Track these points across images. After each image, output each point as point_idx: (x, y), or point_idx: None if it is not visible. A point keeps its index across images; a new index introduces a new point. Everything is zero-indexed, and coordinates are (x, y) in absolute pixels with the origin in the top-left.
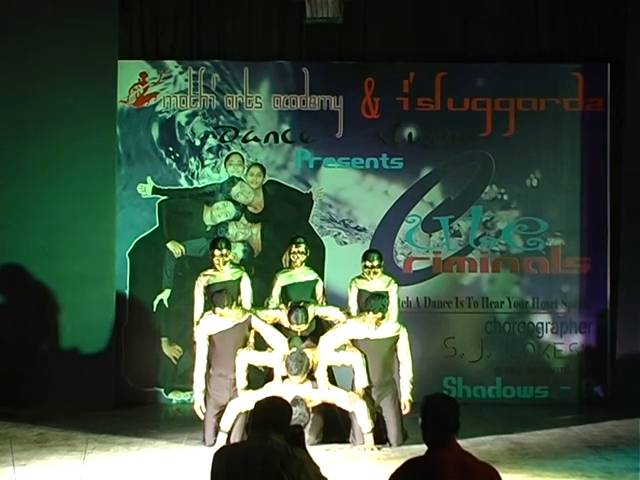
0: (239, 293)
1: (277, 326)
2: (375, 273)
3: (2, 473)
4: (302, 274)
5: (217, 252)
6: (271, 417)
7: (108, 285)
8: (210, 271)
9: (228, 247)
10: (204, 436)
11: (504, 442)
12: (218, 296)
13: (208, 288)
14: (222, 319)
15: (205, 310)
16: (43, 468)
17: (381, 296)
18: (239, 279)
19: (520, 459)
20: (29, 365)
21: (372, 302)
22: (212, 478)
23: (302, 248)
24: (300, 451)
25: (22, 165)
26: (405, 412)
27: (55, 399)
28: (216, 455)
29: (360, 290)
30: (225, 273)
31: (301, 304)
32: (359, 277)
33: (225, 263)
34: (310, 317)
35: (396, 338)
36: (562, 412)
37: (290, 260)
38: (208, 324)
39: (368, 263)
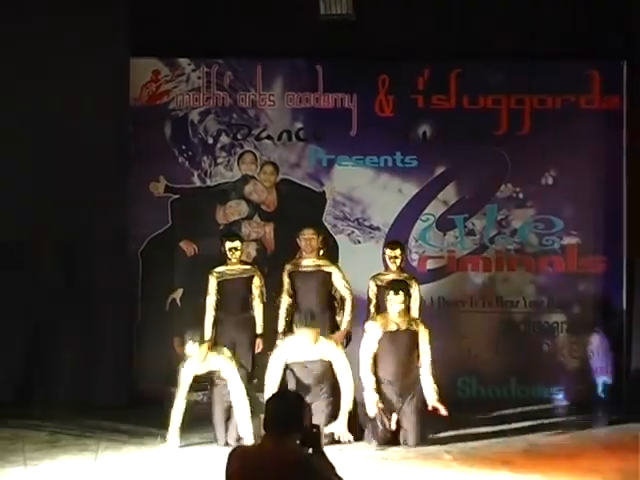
0: (250, 292)
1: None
2: (394, 262)
3: (14, 473)
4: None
5: (228, 244)
6: (285, 417)
7: (120, 284)
8: (222, 267)
9: (240, 240)
10: (215, 435)
11: (519, 443)
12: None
13: (220, 285)
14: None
15: (217, 308)
16: (55, 468)
17: (402, 281)
18: (250, 277)
19: (535, 460)
20: (41, 364)
21: (394, 284)
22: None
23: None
24: (316, 455)
25: (32, 163)
26: (443, 412)
27: (67, 398)
28: (230, 456)
29: (379, 287)
30: (236, 270)
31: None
32: (378, 274)
33: (237, 258)
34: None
35: (415, 333)
36: (577, 412)
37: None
38: None
39: (390, 252)
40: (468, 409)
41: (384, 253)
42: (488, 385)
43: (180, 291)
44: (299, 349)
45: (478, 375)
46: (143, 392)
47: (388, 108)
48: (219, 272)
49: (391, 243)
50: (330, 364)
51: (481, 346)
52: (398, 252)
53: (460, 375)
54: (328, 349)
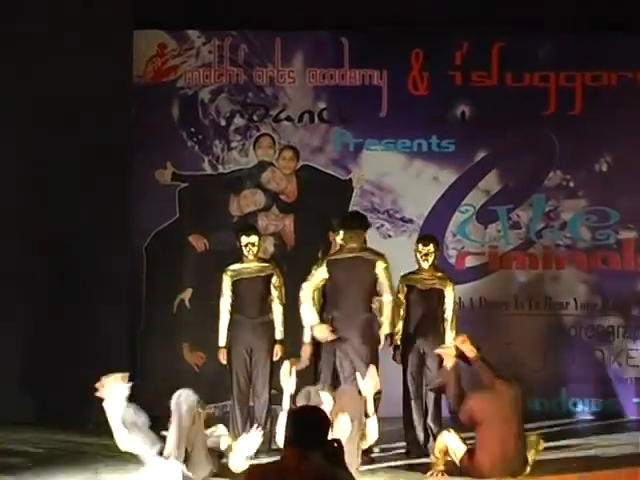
0: (268, 292)
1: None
2: (427, 260)
3: None
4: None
5: (244, 239)
6: (307, 432)
7: (122, 284)
8: (237, 265)
9: (257, 234)
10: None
11: (571, 462)
12: None
13: (235, 285)
14: None
15: (233, 311)
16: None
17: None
18: (268, 276)
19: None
20: (34, 376)
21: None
22: None
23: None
24: (341, 472)
25: (22, 147)
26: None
27: (64, 411)
28: (248, 475)
29: (409, 287)
30: (253, 267)
31: None
32: (409, 274)
33: (254, 254)
34: None
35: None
36: (636, 428)
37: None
38: None
39: (422, 248)
40: None
41: (416, 249)
42: (535, 397)
43: (189, 291)
44: None
45: (524, 386)
46: (148, 404)
47: (422, 86)
48: (234, 270)
49: (423, 238)
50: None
51: (527, 353)
52: (431, 248)
53: None
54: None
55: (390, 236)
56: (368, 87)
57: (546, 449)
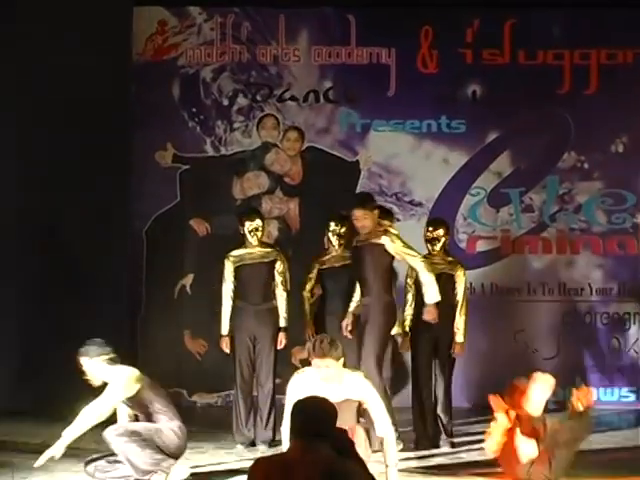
0: (272, 278)
1: None
2: (436, 245)
3: None
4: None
5: (248, 224)
6: (314, 422)
7: (121, 269)
8: (240, 250)
9: (261, 218)
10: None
11: (585, 454)
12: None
13: (238, 270)
14: None
15: (235, 297)
16: None
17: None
18: (272, 262)
19: (604, 472)
20: (33, 363)
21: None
22: None
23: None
24: (350, 461)
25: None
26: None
27: (61, 403)
28: (252, 469)
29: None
30: (257, 253)
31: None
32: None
33: (259, 239)
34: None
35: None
36: None
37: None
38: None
39: (431, 232)
40: None
41: (425, 233)
42: None
43: (190, 277)
44: (316, 388)
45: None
46: None
47: (432, 64)
48: (237, 256)
49: (432, 222)
50: (359, 405)
51: (540, 341)
52: (441, 232)
53: (516, 374)
54: (356, 385)
55: (399, 220)
56: (375, 65)
57: None
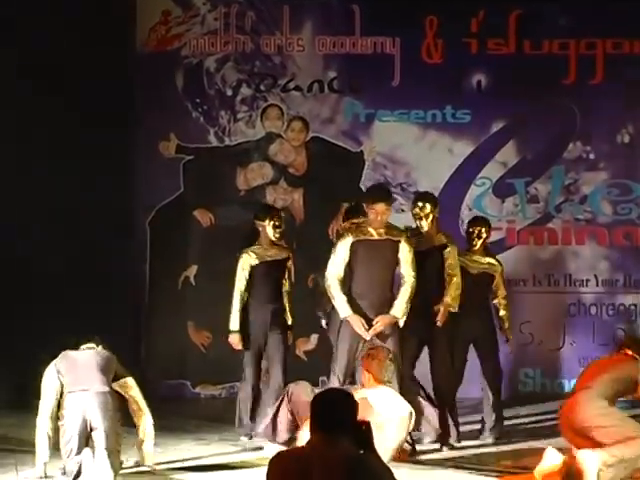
0: (284, 277)
1: None
2: (424, 221)
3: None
4: None
5: (275, 222)
6: (333, 415)
7: (124, 261)
8: (257, 248)
9: (282, 219)
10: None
11: None
12: None
13: (254, 269)
14: None
15: (248, 295)
16: (49, 472)
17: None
18: (286, 259)
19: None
20: (36, 356)
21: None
22: None
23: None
24: (370, 455)
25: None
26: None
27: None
28: (272, 462)
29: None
30: (273, 251)
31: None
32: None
33: (279, 237)
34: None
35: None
36: None
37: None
38: None
39: (418, 209)
40: (530, 405)
41: (412, 210)
42: (554, 378)
43: (194, 268)
44: None
45: (543, 366)
46: (152, 386)
47: (437, 54)
48: (257, 253)
49: (419, 198)
50: None
51: (546, 332)
52: (428, 209)
53: (522, 366)
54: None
55: (403, 210)
56: (380, 55)
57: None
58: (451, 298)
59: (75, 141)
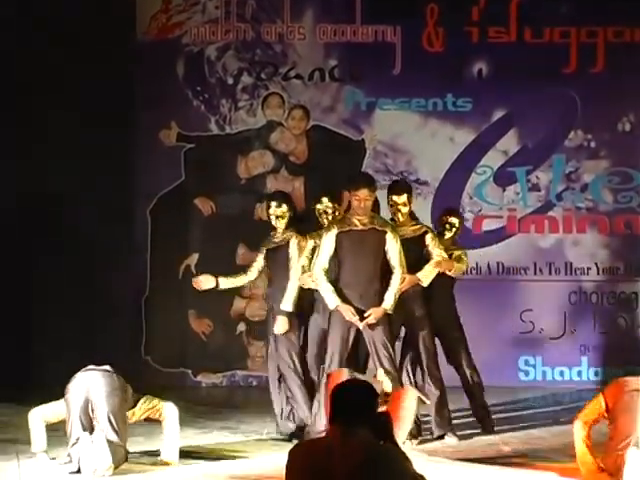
0: (289, 260)
1: None
2: (399, 212)
3: (5, 467)
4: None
5: (273, 209)
6: (354, 406)
7: (125, 249)
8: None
9: (287, 203)
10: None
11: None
12: None
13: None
14: None
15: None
16: (51, 461)
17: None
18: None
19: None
20: (35, 345)
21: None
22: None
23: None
24: (391, 446)
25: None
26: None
27: (66, 383)
28: (291, 453)
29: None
30: (278, 237)
31: None
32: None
33: (283, 226)
34: None
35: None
36: None
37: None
38: None
39: (396, 198)
40: (531, 394)
41: (389, 201)
42: (555, 366)
43: (195, 257)
44: None
45: (544, 354)
46: (153, 375)
47: (437, 42)
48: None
49: (395, 188)
50: None
51: (547, 320)
52: (404, 198)
53: (522, 354)
54: None
55: None
56: (381, 44)
57: (565, 422)
58: (423, 273)
59: (76, 129)
